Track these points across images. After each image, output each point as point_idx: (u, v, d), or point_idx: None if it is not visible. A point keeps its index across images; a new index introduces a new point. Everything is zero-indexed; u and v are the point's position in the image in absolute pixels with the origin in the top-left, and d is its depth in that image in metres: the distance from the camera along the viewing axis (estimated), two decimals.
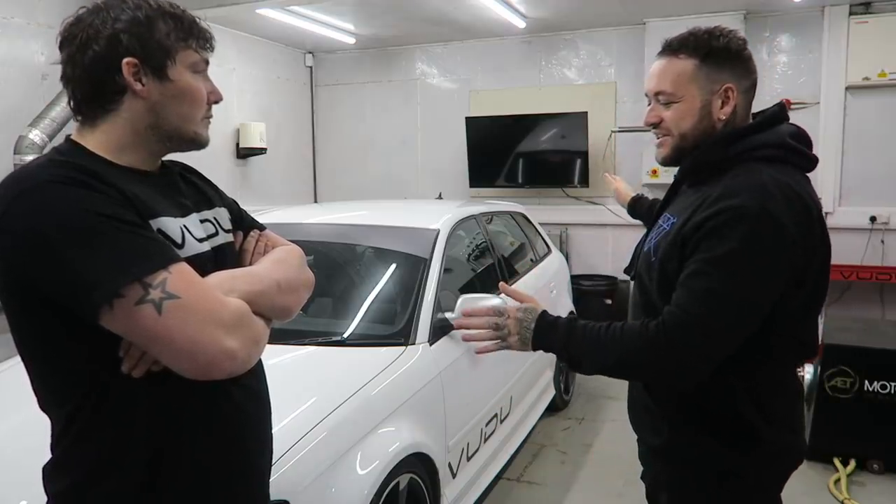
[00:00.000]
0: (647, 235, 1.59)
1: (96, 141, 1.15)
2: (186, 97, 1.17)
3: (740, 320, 1.34)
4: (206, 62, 1.22)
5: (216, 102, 1.24)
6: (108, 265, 0.99)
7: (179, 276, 1.04)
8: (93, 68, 1.11)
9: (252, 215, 1.45)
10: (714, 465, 1.48)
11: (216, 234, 1.26)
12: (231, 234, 1.31)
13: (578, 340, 1.44)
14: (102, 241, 1.00)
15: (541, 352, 1.52)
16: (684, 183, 1.55)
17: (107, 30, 1.11)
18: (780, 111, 1.48)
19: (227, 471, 1.22)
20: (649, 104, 1.53)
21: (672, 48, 1.48)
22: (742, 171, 1.39)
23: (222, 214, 1.32)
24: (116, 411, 1.10)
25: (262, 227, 1.39)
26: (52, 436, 1.16)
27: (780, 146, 1.43)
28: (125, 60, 1.11)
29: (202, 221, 1.25)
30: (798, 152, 1.45)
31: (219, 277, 1.14)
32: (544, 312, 1.51)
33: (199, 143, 1.22)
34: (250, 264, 1.30)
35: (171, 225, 1.14)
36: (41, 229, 0.99)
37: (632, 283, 1.64)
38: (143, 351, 1.06)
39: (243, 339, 1.08)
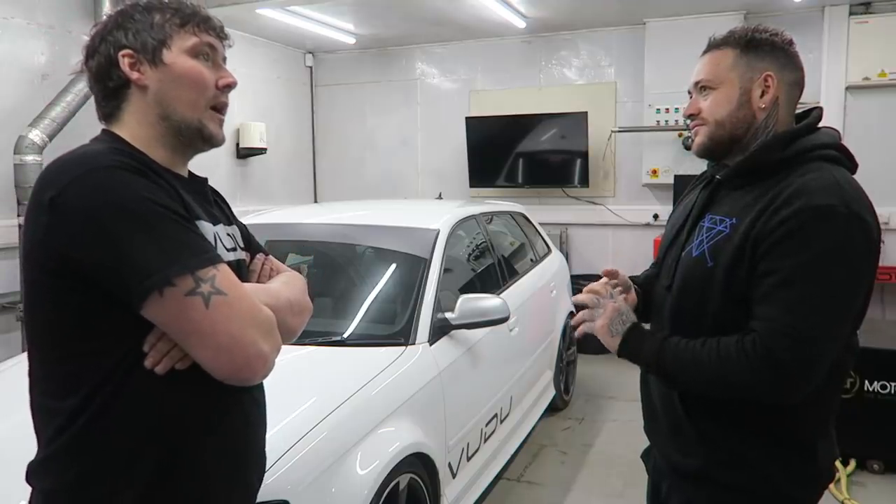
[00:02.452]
0: (682, 240, 1.49)
1: (125, 135, 1.17)
2: (185, 79, 1.16)
3: (842, 327, 1.29)
4: (212, 47, 1.20)
5: (227, 87, 1.21)
6: (164, 254, 1.01)
7: (225, 275, 1.07)
8: (99, 70, 1.17)
9: (251, 217, 1.46)
10: (763, 488, 1.38)
11: (236, 248, 1.29)
12: (245, 253, 1.34)
13: (671, 354, 1.37)
14: (160, 230, 1.03)
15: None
16: (725, 185, 1.46)
17: (108, 33, 1.16)
18: (820, 114, 1.45)
19: (228, 479, 1.21)
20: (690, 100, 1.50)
21: (715, 44, 1.45)
22: (806, 170, 1.33)
23: (237, 233, 1.35)
24: (128, 410, 1.08)
25: (266, 252, 1.41)
26: (45, 430, 1.13)
27: (837, 147, 1.39)
28: (121, 53, 1.15)
29: (227, 234, 1.28)
30: (849, 154, 1.41)
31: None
32: (633, 328, 1.45)
33: (205, 135, 1.20)
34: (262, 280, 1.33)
35: (207, 229, 1.17)
36: (102, 211, 1.00)
37: (667, 293, 1.50)
38: (170, 347, 1.07)
39: (273, 345, 1.12)
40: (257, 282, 1.32)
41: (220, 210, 1.32)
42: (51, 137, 4.14)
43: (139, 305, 1.01)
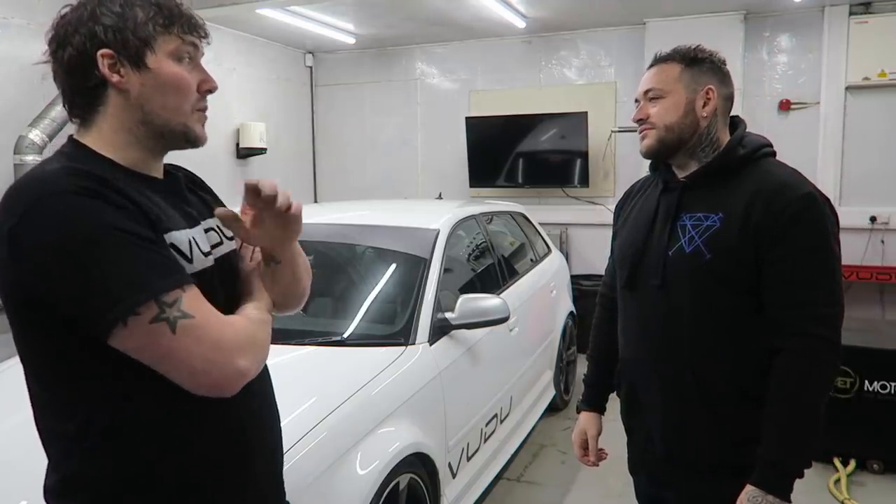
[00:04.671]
0: (663, 241, 1.58)
1: (94, 141, 1.11)
2: (169, 87, 1.10)
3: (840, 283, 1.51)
4: (195, 47, 1.15)
5: (209, 92, 1.16)
6: (125, 282, 0.97)
7: (193, 296, 1.03)
8: (71, 64, 1.08)
9: None
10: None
11: (220, 243, 1.24)
12: (234, 242, 1.28)
13: (785, 445, 1.44)
14: (121, 257, 0.98)
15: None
16: (691, 186, 1.59)
17: (82, 24, 1.07)
18: (744, 122, 1.66)
19: (251, 472, 1.22)
20: (638, 106, 1.65)
21: (662, 58, 1.62)
22: (764, 165, 1.55)
23: None
24: (135, 424, 1.07)
25: None
26: (53, 451, 1.12)
27: (770, 145, 1.60)
28: (100, 52, 1.07)
29: (206, 231, 1.21)
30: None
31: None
32: (756, 482, 1.45)
33: (191, 138, 1.15)
34: (248, 265, 1.28)
35: (181, 238, 1.11)
36: (59, 242, 0.96)
37: (655, 292, 1.60)
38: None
39: (253, 357, 1.09)
40: (249, 262, 1.27)
41: (199, 202, 1.25)
42: (51, 137, 4.14)
43: (105, 337, 0.98)
